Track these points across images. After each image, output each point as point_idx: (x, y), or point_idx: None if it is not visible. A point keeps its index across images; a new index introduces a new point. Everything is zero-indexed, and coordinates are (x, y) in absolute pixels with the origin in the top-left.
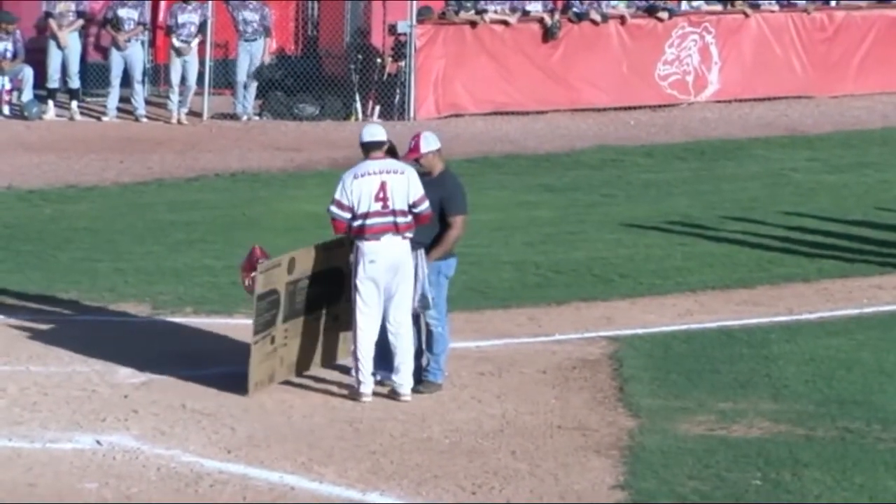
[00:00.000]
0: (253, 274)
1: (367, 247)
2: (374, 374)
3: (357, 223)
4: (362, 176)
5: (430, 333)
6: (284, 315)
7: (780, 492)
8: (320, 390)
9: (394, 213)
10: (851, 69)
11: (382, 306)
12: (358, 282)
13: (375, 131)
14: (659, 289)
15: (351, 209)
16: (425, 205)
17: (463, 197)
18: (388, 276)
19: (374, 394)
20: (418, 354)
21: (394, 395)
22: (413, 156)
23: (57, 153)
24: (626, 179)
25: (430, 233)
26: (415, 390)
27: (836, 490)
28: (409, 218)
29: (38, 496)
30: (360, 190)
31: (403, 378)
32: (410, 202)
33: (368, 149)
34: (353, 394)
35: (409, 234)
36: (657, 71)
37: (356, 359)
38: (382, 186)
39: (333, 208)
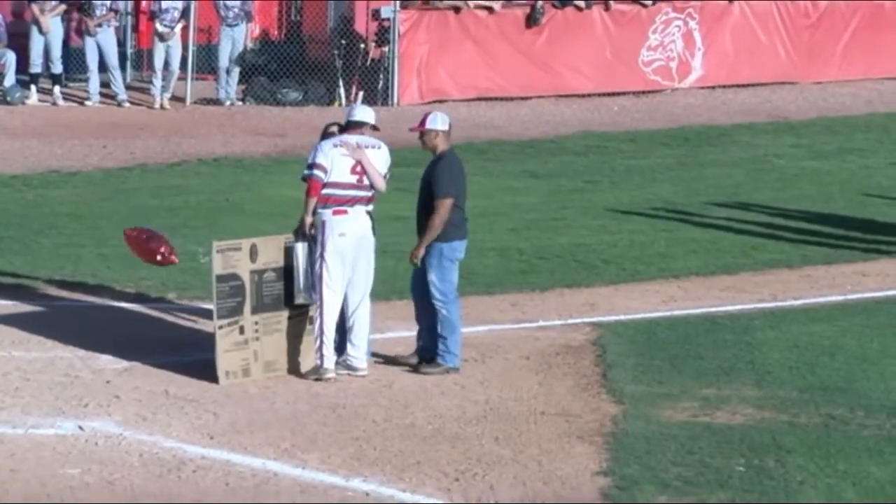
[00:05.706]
0: (163, 249)
1: (335, 221)
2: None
3: (328, 191)
4: (341, 145)
5: (438, 316)
6: (252, 306)
7: (764, 478)
8: (303, 376)
9: (366, 186)
10: (835, 55)
11: (346, 282)
12: (326, 255)
13: (364, 115)
14: (642, 275)
15: (326, 171)
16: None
17: (449, 180)
18: (354, 252)
19: (355, 377)
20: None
21: (349, 369)
22: (417, 129)
23: (40, 138)
24: (610, 165)
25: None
26: (421, 371)
27: (819, 476)
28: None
29: (21, 481)
30: (337, 159)
31: (359, 352)
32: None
33: (349, 126)
34: (316, 371)
35: (371, 207)
36: (641, 57)
37: (321, 333)
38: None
39: (316, 171)
